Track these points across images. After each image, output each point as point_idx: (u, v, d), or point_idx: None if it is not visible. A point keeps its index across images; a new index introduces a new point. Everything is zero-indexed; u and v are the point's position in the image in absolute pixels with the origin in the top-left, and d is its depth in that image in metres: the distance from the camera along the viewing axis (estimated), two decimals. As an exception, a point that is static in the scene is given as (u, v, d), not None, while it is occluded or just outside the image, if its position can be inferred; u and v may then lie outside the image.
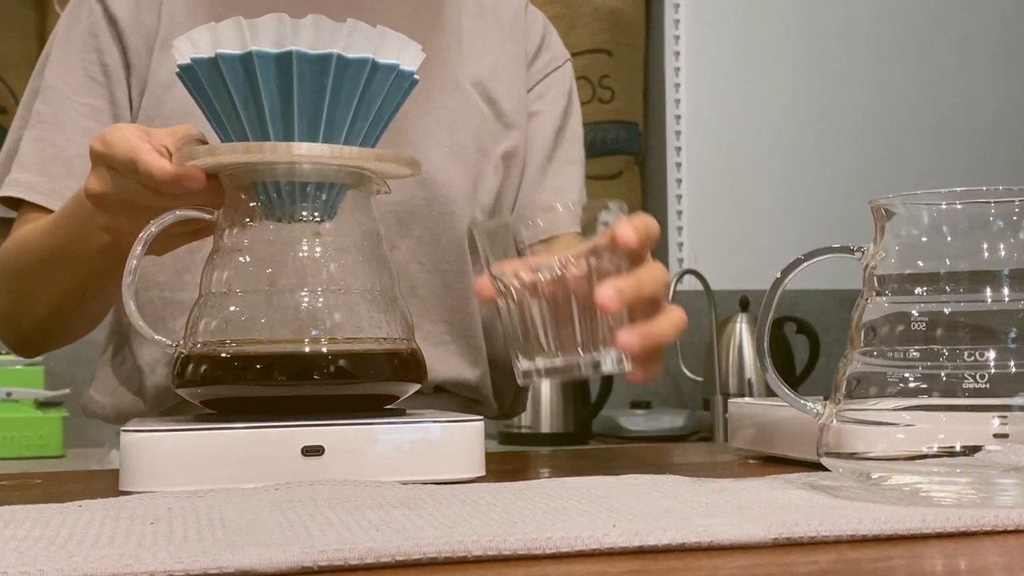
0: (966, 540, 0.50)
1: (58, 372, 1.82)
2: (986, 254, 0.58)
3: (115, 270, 0.81)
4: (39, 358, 1.76)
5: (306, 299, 0.72)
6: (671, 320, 0.71)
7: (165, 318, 1.02)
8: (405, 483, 0.64)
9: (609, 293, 0.66)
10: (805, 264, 0.65)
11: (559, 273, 0.68)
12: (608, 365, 0.69)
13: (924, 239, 0.60)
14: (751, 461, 0.82)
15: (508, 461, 0.77)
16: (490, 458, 0.72)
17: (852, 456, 0.59)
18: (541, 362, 0.69)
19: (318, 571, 0.44)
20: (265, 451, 0.67)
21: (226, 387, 0.72)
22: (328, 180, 0.72)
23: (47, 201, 1.01)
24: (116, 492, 0.65)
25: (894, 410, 0.58)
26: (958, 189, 0.59)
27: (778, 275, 0.66)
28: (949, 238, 0.59)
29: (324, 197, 0.72)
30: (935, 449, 0.57)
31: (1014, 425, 0.56)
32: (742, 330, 2.09)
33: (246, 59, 0.69)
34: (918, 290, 0.59)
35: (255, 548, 0.45)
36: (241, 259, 0.73)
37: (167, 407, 1.04)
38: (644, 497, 0.58)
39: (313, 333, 0.72)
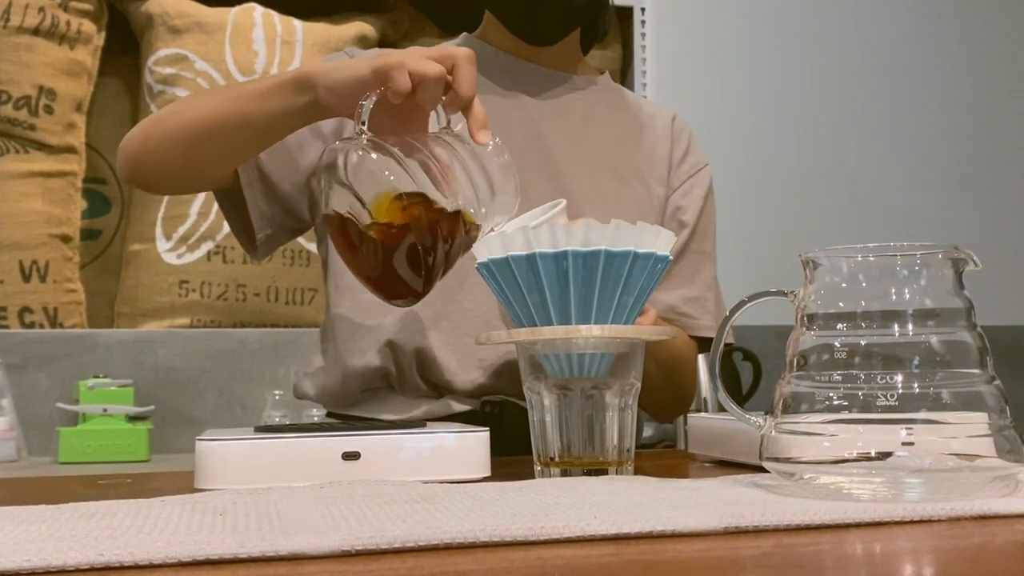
0: (880, 529, 0.50)
1: (145, 392, 1.81)
2: (894, 297, 0.58)
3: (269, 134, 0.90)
4: (129, 380, 1.76)
5: None
6: None
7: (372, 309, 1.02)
8: (426, 482, 0.64)
9: None
10: (749, 304, 0.66)
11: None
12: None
13: (844, 285, 0.60)
14: (706, 464, 0.81)
15: (509, 464, 0.77)
16: (494, 462, 0.72)
17: (788, 460, 0.59)
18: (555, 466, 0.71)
19: (355, 554, 0.44)
20: (312, 456, 0.67)
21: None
22: (600, 351, 0.70)
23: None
24: (191, 489, 0.65)
25: (821, 423, 0.58)
26: (871, 245, 0.59)
27: (727, 313, 0.66)
28: (864, 284, 0.59)
29: (597, 362, 0.70)
30: (854, 455, 0.56)
31: (918, 435, 0.56)
32: (698, 358, 2.08)
33: (530, 259, 0.68)
34: (839, 326, 0.59)
35: (304, 535, 0.45)
36: None
37: (361, 388, 1.05)
38: (620, 494, 0.58)
39: None
